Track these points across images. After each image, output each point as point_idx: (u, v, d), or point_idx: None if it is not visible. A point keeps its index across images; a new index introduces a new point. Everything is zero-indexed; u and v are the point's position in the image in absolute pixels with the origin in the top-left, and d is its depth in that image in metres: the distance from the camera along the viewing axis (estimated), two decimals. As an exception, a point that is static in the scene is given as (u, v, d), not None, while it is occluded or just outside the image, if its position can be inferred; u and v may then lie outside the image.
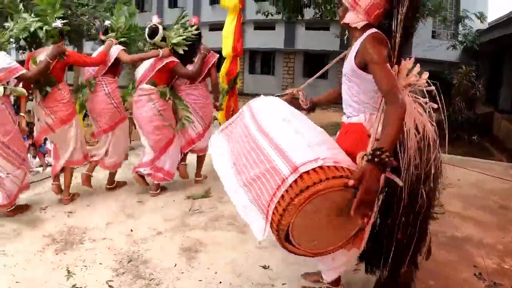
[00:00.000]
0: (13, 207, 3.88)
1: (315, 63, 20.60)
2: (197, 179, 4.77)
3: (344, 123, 2.26)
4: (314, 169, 1.68)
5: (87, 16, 13.94)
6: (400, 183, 1.80)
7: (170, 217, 3.81)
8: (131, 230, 3.56)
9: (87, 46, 18.39)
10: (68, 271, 2.97)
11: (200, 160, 4.78)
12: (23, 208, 4.00)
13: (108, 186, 4.56)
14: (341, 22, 2.13)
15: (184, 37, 4.09)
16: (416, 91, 2.22)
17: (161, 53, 4.03)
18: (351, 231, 1.84)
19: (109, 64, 4.14)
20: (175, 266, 2.99)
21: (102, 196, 4.40)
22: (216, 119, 5.08)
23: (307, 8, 13.31)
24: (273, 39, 22.34)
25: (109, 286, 2.77)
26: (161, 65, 4.07)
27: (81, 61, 4.04)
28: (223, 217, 3.77)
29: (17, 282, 2.86)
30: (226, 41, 4.49)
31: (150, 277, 2.86)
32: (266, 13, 13.91)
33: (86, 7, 13.91)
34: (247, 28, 21.90)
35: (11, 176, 3.80)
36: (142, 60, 4.21)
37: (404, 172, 2.08)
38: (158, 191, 4.41)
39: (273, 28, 22.06)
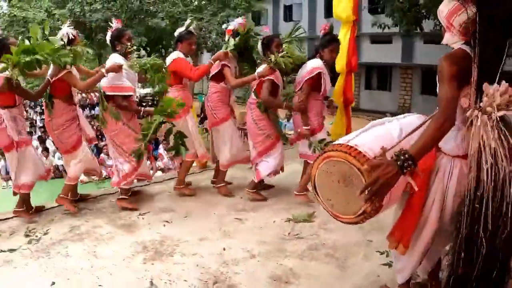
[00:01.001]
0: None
1: (434, 79, 19.12)
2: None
3: None
4: (341, 144, 2.00)
5: (203, 29, 14.61)
6: (415, 188, 1.89)
7: (267, 239, 3.55)
8: (224, 249, 3.37)
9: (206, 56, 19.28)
10: (151, 283, 2.91)
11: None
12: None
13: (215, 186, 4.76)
14: (442, 42, 2.20)
15: (289, 56, 4.13)
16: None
17: (256, 73, 4.16)
18: (358, 208, 1.95)
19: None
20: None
21: (202, 208, 4.30)
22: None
23: (426, 20, 12.52)
24: (390, 53, 21.35)
25: None
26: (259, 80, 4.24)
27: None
28: (323, 246, 3.39)
29: (99, 285, 2.90)
30: (339, 55, 4.20)
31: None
32: (383, 26, 13.32)
33: (201, 20, 14.57)
34: (363, 42, 21.25)
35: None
36: (244, 84, 4.61)
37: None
38: (253, 191, 4.45)
39: (390, 42, 21.11)
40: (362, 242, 3.39)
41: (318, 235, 3.59)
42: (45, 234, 3.73)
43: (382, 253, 3.15)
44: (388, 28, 13.42)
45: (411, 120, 2.26)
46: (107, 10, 15.36)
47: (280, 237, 3.59)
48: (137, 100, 4.27)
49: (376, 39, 21.22)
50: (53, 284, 2.94)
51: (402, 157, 1.77)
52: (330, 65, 4.20)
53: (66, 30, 3.88)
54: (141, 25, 16.08)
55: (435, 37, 18.04)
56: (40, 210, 4.17)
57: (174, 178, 4.97)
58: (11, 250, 3.44)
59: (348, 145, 1.95)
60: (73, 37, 3.91)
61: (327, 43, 4.09)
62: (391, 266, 2.91)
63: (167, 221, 3.96)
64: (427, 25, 12.90)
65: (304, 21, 22.89)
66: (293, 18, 24.60)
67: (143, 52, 15.70)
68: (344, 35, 4.16)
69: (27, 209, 4.04)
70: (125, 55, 4.09)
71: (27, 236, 3.70)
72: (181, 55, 4.35)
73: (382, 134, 2.14)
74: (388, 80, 22.87)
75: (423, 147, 1.85)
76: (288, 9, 25.94)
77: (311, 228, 3.75)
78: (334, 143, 2.08)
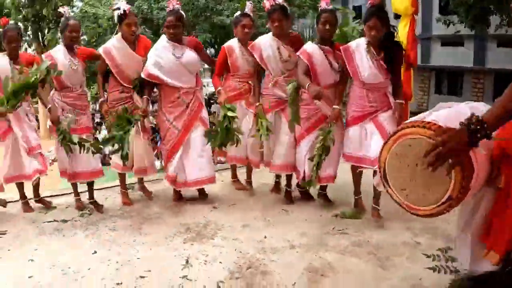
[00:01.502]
0: None
1: (507, 84, 17.95)
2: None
3: None
4: (415, 121, 1.77)
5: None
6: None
7: (310, 232, 3.48)
8: (265, 237, 3.36)
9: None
10: (187, 261, 2.98)
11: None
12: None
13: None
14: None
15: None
16: None
17: None
18: (441, 193, 1.70)
19: None
20: (293, 285, 2.67)
21: (251, 198, 4.31)
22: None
23: (494, 16, 11.87)
24: (462, 57, 20.33)
25: (218, 287, 2.67)
26: None
27: None
28: (367, 244, 3.25)
29: (138, 258, 3.06)
30: None
31: (262, 290, 2.62)
32: (447, 23, 12.76)
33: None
34: (434, 44, 20.42)
35: None
36: None
37: None
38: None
39: (461, 45, 20.11)
40: (409, 243, 3.23)
41: (363, 233, 3.47)
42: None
43: (428, 256, 2.97)
44: (453, 24, 12.86)
45: (478, 105, 2.03)
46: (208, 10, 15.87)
47: (324, 231, 3.51)
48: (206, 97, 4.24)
49: (447, 42, 20.29)
50: (95, 253, 3.14)
51: (473, 124, 1.53)
52: (327, 40, 3.67)
53: (121, 5, 3.74)
54: (207, 22, 16.40)
55: (509, 40, 17.13)
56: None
57: (227, 168, 4.96)
58: (64, 221, 3.74)
59: (424, 120, 1.72)
60: (123, 14, 3.73)
61: (318, 16, 3.67)
62: (436, 271, 2.77)
63: (214, 207, 4.03)
64: (494, 21, 12.21)
65: (417, 21, 22.30)
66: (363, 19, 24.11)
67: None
68: (402, 28, 3.95)
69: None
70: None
71: (80, 210, 3.97)
72: (232, 43, 4.07)
73: (454, 114, 1.85)
74: (459, 85, 21.83)
75: (499, 114, 1.59)
76: (358, 10, 25.43)
77: (358, 225, 3.62)
78: (406, 122, 1.83)
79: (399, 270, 2.85)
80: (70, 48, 3.76)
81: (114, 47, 3.79)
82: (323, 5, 3.58)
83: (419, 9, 4.38)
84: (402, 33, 3.86)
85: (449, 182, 1.65)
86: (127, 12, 3.69)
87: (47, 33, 18.60)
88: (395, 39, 3.45)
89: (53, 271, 2.93)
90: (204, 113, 4.06)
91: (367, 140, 3.49)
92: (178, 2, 3.79)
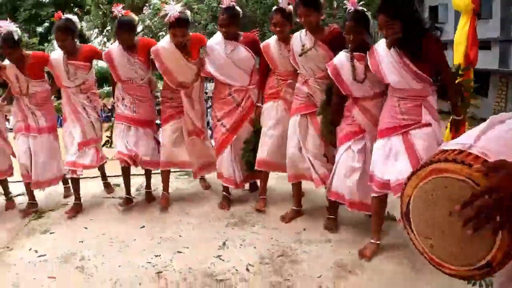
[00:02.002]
0: None
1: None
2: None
3: None
4: (453, 150, 1.33)
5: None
6: None
7: (349, 229, 3.47)
8: (304, 229, 3.46)
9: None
10: (224, 243, 3.21)
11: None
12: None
13: None
14: None
15: None
16: None
17: None
18: (479, 256, 1.24)
19: None
20: (318, 277, 2.74)
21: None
22: None
23: None
24: (488, 59, 18.84)
25: (246, 269, 2.85)
26: None
27: None
28: (405, 247, 3.08)
29: (180, 236, 3.37)
30: (457, 48, 3.77)
31: (287, 278, 2.74)
32: None
33: (331, 17, 14.80)
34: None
35: None
36: None
37: None
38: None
39: (488, 48, 18.69)
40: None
41: (405, 236, 3.42)
42: (154, 190, 4.29)
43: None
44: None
45: None
46: (244, 6, 16.14)
47: (362, 230, 3.45)
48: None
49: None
50: (142, 227, 3.52)
51: None
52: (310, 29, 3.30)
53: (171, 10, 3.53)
54: None
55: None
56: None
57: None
58: (121, 198, 4.14)
59: (470, 152, 1.26)
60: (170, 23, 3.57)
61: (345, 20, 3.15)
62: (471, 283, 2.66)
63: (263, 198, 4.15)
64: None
65: (450, 23, 21.15)
66: (439, 20, 22.82)
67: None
68: (463, 25, 3.75)
69: None
70: None
71: (137, 190, 4.42)
72: (269, 41, 3.76)
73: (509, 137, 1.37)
74: (485, 86, 20.37)
75: None
76: (433, 10, 24.17)
77: (399, 228, 3.59)
78: (444, 147, 1.42)
79: (432, 277, 2.74)
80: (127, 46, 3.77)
81: (163, 49, 3.70)
82: (349, 6, 3.04)
83: (496, 9, 4.11)
84: (461, 32, 3.69)
85: (491, 244, 1.21)
86: (173, 21, 3.51)
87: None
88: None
89: (102, 238, 3.37)
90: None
91: (390, 160, 2.91)
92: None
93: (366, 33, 3.04)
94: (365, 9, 3.00)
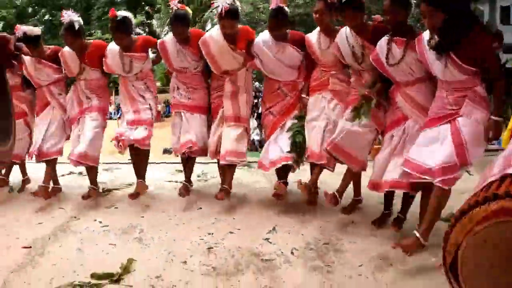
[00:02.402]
0: None
1: None
2: None
3: None
4: None
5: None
6: None
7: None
8: (352, 222, 3.58)
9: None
10: (273, 228, 3.43)
11: None
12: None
13: None
14: None
15: None
16: None
17: None
18: None
19: None
20: (359, 266, 2.84)
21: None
22: None
23: None
24: None
25: (291, 252, 3.01)
26: None
27: None
28: None
29: (233, 218, 3.69)
30: None
31: (328, 264, 2.86)
32: None
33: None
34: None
35: None
36: None
37: None
38: None
39: None
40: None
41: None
42: (213, 178, 4.66)
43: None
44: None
45: None
46: (308, 6, 16.26)
47: (413, 227, 3.42)
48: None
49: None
50: (200, 209, 3.89)
51: None
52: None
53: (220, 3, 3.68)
54: (338, 20, 16.64)
55: None
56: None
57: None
58: (181, 182, 4.48)
59: None
60: (220, 14, 3.71)
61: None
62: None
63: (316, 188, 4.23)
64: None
65: None
66: (511, 21, 21.70)
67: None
68: None
69: None
70: None
71: (198, 176, 4.82)
72: (313, 32, 3.82)
73: None
74: None
75: None
76: (506, 11, 22.96)
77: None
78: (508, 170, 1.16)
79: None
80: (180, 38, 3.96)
81: (211, 38, 3.85)
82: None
83: None
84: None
85: None
86: (223, 13, 3.65)
87: (194, 25, 20.45)
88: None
89: (161, 215, 3.75)
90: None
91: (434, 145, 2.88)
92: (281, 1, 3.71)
93: (405, 15, 3.06)
94: None
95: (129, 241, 3.27)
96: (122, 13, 3.95)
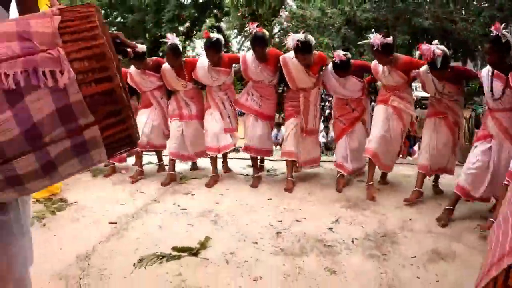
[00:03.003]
0: None
1: None
2: None
3: None
4: None
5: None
6: None
7: (454, 223, 3.75)
8: (410, 219, 3.82)
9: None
10: (337, 220, 3.81)
11: None
12: None
13: None
14: None
15: None
16: None
17: None
18: None
19: None
20: (412, 257, 3.12)
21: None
22: None
23: None
24: None
25: (352, 241, 3.39)
26: None
27: None
28: None
29: (300, 209, 4.06)
30: None
31: (384, 253, 3.18)
32: None
33: (466, 21, 14.33)
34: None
35: None
36: None
37: None
38: None
39: None
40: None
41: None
42: (281, 173, 5.15)
43: None
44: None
45: None
46: (376, 10, 16.27)
47: (465, 226, 3.71)
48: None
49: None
50: (270, 200, 4.33)
51: None
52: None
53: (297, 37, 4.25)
54: (406, 25, 16.43)
55: None
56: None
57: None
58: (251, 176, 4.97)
59: None
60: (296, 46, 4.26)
61: None
62: None
63: (378, 189, 4.60)
64: None
65: None
66: None
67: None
68: None
69: None
70: None
71: (268, 171, 5.33)
72: (377, 64, 4.39)
73: None
74: None
75: None
76: None
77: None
78: None
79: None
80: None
81: (290, 60, 4.42)
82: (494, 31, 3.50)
83: None
84: None
85: None
86: (296, 47, 4.24)
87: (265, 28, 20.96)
88: None
89: (234, 203, 4.23)
90: (367, 117, 4.81)
91: None
92: (341, 56, 4.30)
93: (505, 56, 3.51)
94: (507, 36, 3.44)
95: (205, 222, 3.76)
96: (215, 35, 4.61)
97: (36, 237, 3.39)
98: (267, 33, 4.69)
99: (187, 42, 27.61)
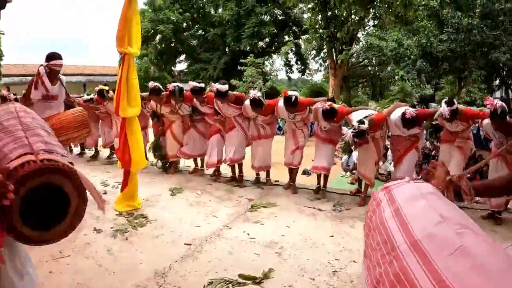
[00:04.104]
0: None
1: None
2: None
3: None
4: None
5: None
6: None
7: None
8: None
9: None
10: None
11: None
12: None
13: None
14: None
15: None
16: None
17: None
18: None
19: None
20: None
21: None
22: None
23: None
24: None
25: None
26: None
27: None
28: None
29: (357, 250, 4.22)
30: None
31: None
32: None
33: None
34: None
35: None
36: None
37: None
38: None
39: None
40: None
41: None
42: (347, 209, 5.54)
43: None
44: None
45: None
46: (453, 41, 15.98)
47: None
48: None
49: None
50: (332, 236, 4.61)
51: None
52: None
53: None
54: (482, 58, 15.97)
55: None
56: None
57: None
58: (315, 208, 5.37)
59: None
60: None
61: None
62: None
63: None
64: None
65: None
66: None
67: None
68: None
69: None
70: None
71: (334, 206, 5.70)
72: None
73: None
74: None
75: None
76: None
77: None
78: None
79: None
80: None
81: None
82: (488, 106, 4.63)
83: None
84: None
85: None
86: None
87: (340, 53, 21.11)
88: None
89: (299, 237, 4.59)
90: (420, 145, 5.86)
91: None
92: (412, 113, 5.20)
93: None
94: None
95: (270, 253, 4.12)
96: (292, 93, 5.80)
97: (119, 249, 4.04)
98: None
99: (265, 57, 28.40)
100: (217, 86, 6.05)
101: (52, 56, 5.03)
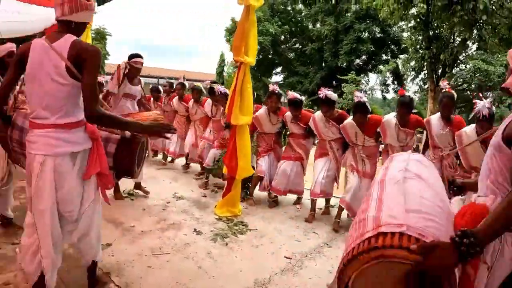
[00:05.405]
0: None
1: None
2: None
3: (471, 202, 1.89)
4: (393, 233, 1.50)
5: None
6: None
7: None
8: None
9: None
10: None
11: None
12: None
13: None
14: (501, 86, 1.87)
15: None
16: None
17: None
18: None
19: None
20: None
21: None
22: None
23: None
24: None
25: None
26: None
27: None
28: None
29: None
30: None
31: None
32: None
33: None
34: None
35: None
36: None
37: None
38: None
39: None
40: None
41: None
42: None
43: None
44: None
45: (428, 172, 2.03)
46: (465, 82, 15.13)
47: None
48: None
49: None
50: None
51: (467, 241, 1.39)
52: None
53: None
54: None
55: None
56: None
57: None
58: None
59: (409, 235, 1.47)
60: None
61: None
62: None
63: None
64: None
65: None
66: None
67: None
68: None
69: None
70: None
71: None
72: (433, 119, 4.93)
73: (429, 207, 1.66)
74: None
75: (495, 231, 1.49)
76: None
77: None
78: (384, 224, 1.56)
79: None
80: None
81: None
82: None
83: None
84: None
85: None
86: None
87: (442, 75, 20.15)
88: None
89: None
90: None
91: None
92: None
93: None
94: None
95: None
96: (408, 94, 4.96)
97: (219, 253, 4.21)
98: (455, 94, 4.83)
99: (361, 75, 27.95)
100: (325, 91, 5.28)
101: (134, 56, 5.31)
